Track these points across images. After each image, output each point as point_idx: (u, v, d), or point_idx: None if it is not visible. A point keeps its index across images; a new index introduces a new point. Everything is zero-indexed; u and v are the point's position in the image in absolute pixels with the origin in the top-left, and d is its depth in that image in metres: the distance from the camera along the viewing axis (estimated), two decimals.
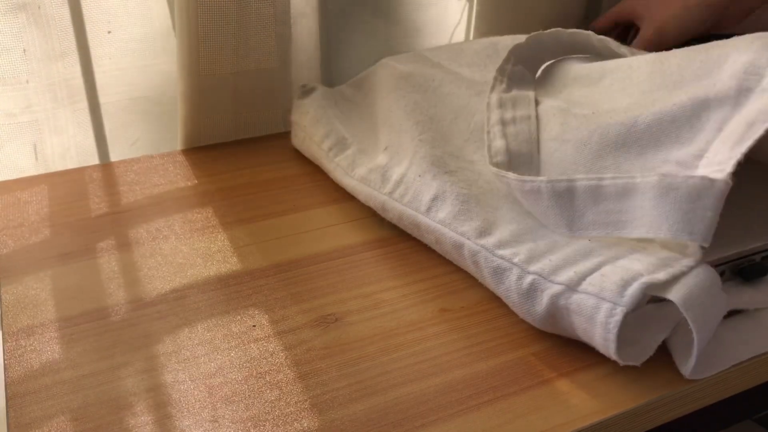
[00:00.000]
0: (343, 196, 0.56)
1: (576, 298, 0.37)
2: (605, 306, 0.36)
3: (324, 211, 0.55)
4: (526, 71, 0.54)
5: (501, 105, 0.50)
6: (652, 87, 0.45)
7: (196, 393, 0.37)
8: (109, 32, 0.62)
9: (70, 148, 0.65)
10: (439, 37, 0.81)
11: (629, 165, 0.42)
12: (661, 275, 0.36)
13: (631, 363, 0.37)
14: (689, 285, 0.36)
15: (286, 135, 0.67)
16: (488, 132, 0.49)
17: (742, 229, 0.44)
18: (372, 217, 0.53)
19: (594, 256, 0.39)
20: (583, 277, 0.38)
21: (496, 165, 0.46)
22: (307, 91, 0.65)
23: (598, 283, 0.37)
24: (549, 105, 0.50)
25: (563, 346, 0.40)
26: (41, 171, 0.63)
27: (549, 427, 0.35)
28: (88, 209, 0.55)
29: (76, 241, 0.51)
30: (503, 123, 0.49)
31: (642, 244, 0.40)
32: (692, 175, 0.36)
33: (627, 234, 0.39)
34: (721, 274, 0.42)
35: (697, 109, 0.41)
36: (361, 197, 0.54)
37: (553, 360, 0.39)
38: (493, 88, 0.52)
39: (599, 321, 0.36)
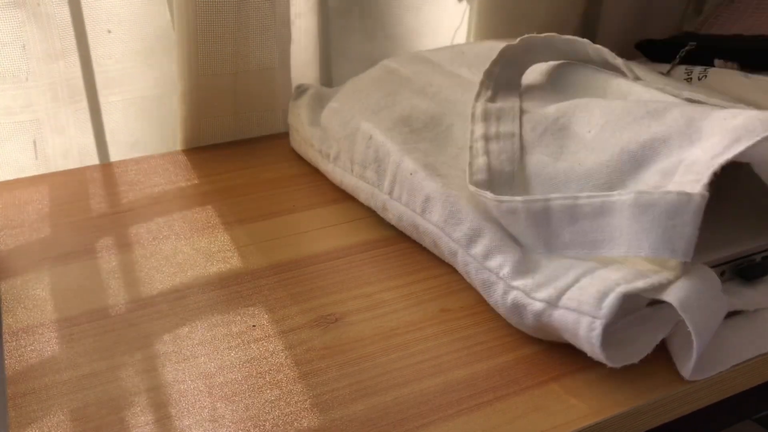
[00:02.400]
0: (342, 196, 0.56)
1: (557, 315, 0.38)
2: (585, 320, 0.36)
3: (324, 211, 0.55)
4: (514, 75, 0.53)
5: (486, 118, 0.50)
6: (636, 117, 0.44)
7: (196, 393, 0.37)
8: (109, 32, 0.62)
9: (71, 148, 0.65)
10: (439, 41, 0.81)
11: (622, 182, 0.42)
12: (640, 283, 0.36)
13: (627, 363, 0.37)
14: (687, 287, 0.36)
15: (285, 135, 0.67)
16: (471, 147, 0.48)
17: (742, 229, 0.44)
18: (372, 217, 0.53)
19: (574, 268, 0.39)
20: (562, 292, 0.38)
21: (476, 184, 0.45)
22: (301, 92, 0.65)
23: (576, 297, 0.37)
24: (536, 117, 0.49)
25: (562, 346, 0.40)
26: (42, 170, 0.63)
27: (549, 427, 0.35)
28: (88, 209, 0.55)
29: (77, 241, 0.51)
30: (486, 138, 0.48)
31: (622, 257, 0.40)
32: (668, 191, 0.36)
33: (605, 253, 0.39)
34: (721, 274, 0.42)
35: (687, 125, 0.41)
36: (361, 197, 0.54)
37: (553, 360, 0.39)
38: (479, 95, 0.52)
39: (582, 335, 0.36)
